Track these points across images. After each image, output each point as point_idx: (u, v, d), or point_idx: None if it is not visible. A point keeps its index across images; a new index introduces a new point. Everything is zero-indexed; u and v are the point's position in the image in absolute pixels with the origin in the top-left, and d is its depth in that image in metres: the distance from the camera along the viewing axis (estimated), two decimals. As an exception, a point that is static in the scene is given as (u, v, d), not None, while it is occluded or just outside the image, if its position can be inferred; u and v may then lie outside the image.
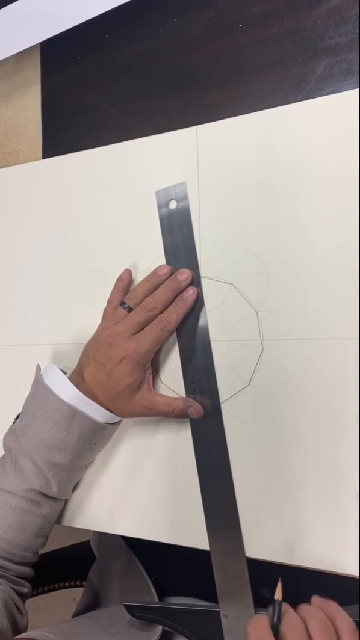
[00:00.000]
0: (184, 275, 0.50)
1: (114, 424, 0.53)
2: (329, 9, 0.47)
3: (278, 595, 0.41)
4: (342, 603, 0.53)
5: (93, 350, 0.51)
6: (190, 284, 0.51)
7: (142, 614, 0.51)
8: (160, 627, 0.51)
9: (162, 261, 0.53)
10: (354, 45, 0.46)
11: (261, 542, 0.48)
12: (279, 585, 0.41)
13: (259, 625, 0.39)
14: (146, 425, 0.54)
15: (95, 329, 0.53)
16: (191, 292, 0.50)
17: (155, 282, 0.51)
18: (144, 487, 0.54)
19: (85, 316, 0.57)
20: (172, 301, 0.50)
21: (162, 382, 0.53)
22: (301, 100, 0.48)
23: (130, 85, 0.57)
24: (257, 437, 0.48)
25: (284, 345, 0.47)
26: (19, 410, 0.54)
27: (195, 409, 0.50)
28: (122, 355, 0.49)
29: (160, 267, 0.52)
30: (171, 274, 0.51)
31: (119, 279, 0.54)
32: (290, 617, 0.39)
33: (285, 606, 0.41)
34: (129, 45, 0.57)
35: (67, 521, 0.58)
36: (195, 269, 0.51)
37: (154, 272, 0.52)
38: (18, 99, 0.65)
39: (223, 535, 0.49)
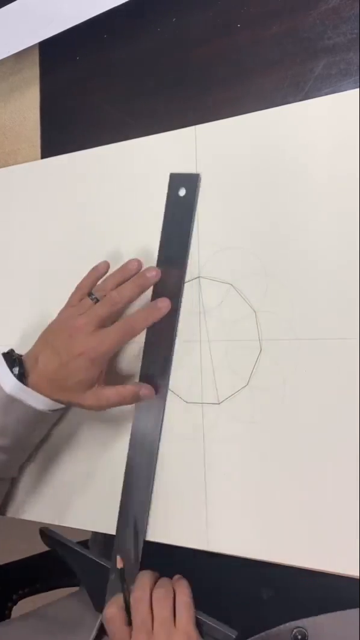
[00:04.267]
0: (152, 272, 0.50)
1: (57, 410, 0.52)
2: (327, 9, 0.47)
3: (120, 564, 0.47)
4: (343, 603, 0.53)
5: (52, 338, 0.51)
6: (166, 287, 0.51)
7: (50, 544, 0.58)
8: (94, 632, 0.53)
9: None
10: (353, 46, 0.46)
11: (261, 541, 0.48)
12: (118, 557, 0.48)
13: (112, 606, 0.47)
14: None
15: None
16: (166, 303, 0.50)
17: (124, 276, 0.51)
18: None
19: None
20: (138, 296, 0.50)
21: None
22: (300, 100, 0.48)
23: (129, 85, 0.57)
24: (256, 437, 0.48)
25: (282, 345, 0.47)
26: None
27: (146, 389, 0.50)
28: (80, 351, 0.48)
29: (131, 262, 0.51)
30: (140, 268, 0.51)
31: (95, 268, 0.53)
32: (137, 588, 0.47)
33: (142, 576, 0.49)
34: (128, 45, 0.57)
35: (69, 521, 0.58)
36: (183, 263, 0.51)
37: (124, 266, 0.51)
38: (17, 99, 0.65)
39: (131, 518, 0.53)
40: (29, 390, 0.50)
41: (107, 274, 0.54)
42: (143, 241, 0.54)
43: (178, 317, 0.51)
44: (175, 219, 0.52)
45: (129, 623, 0.46)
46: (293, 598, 0.54)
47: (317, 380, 0.46)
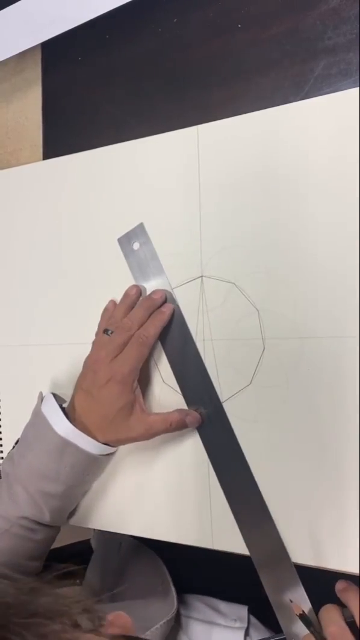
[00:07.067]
0: (158, 294, 0.52)
1: (108, 454, 0.53)
2: (327, 9, 0.48)
3: (297, 610, 0.43)
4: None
5: (80, 380, 0.52)
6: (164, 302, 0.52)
7: None
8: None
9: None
10: (353, 46, 0.46)
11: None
12: (292, 604, 0.44)
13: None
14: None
15: (95, 330, 0.54)
16: (168, 308, 0.51)
17: (129, 303, 0.52)
18: (152, 487, 0.54)
19: (87, 316, 0.57)
20: (147, 318, 0.51)
21: (164, 382, 0.53)
22: (300, 100, 0.48)
23: (130, 85, 0.58)
24: (259, 436, 0.49)
25: (285, 344, 0.48)
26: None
27: (192, 417, 0.50)
28: (107, 379, 0.49)
29: (130, 288, 0.53)
30: (141, 292, 0.53)
31: (105, 309, 0.55)
32: (331, 623, 0.42)
33: (329, 610, 0.43)
34: (130, 46, 0.58)
35: (77, 521, 0.58)
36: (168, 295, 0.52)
37: (126, 294, 0.53)
38: (19, 99, 0.65)
39: (261, 542, 0.48)
40: (82, 434, 0.50)
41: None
42: (145, 241, 0.55)
43: (188, 329, 0.52)
44: (142, 266, 0.54)
45: None
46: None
47: (320, 378, 0.46)
